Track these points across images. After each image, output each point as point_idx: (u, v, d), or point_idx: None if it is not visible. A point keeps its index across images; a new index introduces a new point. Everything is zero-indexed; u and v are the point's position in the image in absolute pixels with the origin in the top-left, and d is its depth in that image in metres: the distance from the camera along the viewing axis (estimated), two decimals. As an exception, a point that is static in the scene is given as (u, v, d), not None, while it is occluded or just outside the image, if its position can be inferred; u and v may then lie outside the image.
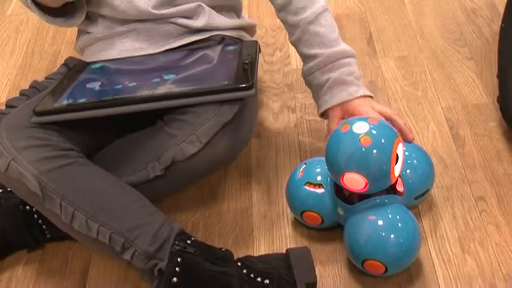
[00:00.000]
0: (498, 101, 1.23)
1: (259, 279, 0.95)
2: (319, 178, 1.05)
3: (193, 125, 0.98)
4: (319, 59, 1.10)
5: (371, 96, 1.11)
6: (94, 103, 0.98)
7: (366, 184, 0.95)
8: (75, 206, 0.93)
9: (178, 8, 1.11)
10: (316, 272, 0.98)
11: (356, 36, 1.54)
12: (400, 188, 1.02)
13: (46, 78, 1.12)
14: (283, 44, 1.56)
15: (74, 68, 1.11)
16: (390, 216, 0.98)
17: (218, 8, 1.16)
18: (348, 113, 1.09)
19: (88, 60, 1.13)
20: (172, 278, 0.92)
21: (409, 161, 1.05)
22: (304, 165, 1.08)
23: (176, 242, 0.93)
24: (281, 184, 1.19)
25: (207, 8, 1.13)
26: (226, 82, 0.99)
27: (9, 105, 1.04)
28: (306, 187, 1.05)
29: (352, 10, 1.64)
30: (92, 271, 1.09)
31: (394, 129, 0.99)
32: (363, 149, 0.94)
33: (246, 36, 1.21)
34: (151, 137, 1.03)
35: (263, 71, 1.47)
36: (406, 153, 1.03)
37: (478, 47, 1.46)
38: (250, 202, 1.18)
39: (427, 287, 0.99)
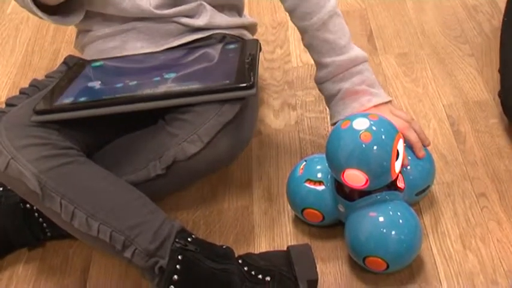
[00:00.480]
0: (499, 95, 1.23)
1: (260, 276, 0.95)
2: (319, 175, 1.04)
3: (195, 124, 0.98)
4: (329, 68, 1.08)
5: (389, 101, 1.09)
6: (94, 102, 0.97)
7: (367, 180, 0.95)
8: (75, 204, 0.93)
9: (180, 7, 1.10)
10: (318, 269, 0.98)
11: (356, 33, 1.53)
12: (401, 184, 1.02)
13: (46, 76, 1.11)
14: (284, 41, 1.55)
15: (74, 67, 1.10)
16: (391, 212, 0.97)
17: (220, 7, 1.15)
18: None
19: (88, 58, 1.13)
20: (173, 275, 0.91)
21: (409, 157, 1.04)
22: (304, 163, 1.08)
23: (177, 240, 0.93)
24: (282, 181, 1.18)
25: (208, 7, 1.12)
26: (227, 81, 0.98)
27: (9, 103, 1.04)
28: (307, 184, 1.05)
29: (353, 7, 1.64)
30: (93, 269, 1.09)
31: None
32: (364, 145, 0.93)
33: (247, 35, 1.20)
34: (153, 136, 1.03)
35: (263, 68, 1.47)
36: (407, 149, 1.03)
37: (478, 43, 1.46)
38: (251, 199, 1.18)
39: (429, 284, 0.99)
